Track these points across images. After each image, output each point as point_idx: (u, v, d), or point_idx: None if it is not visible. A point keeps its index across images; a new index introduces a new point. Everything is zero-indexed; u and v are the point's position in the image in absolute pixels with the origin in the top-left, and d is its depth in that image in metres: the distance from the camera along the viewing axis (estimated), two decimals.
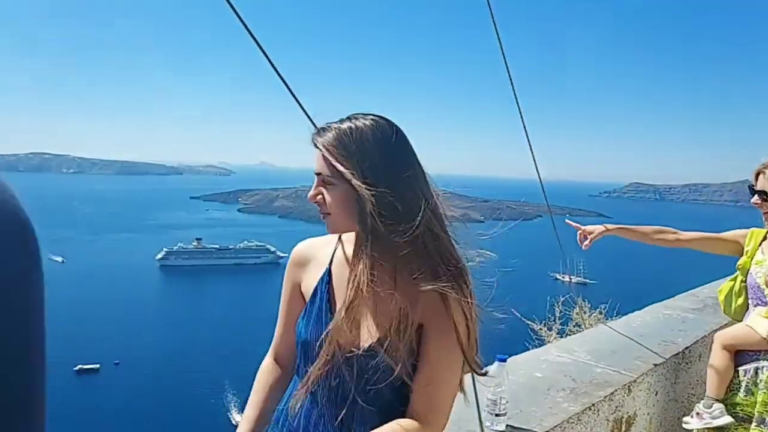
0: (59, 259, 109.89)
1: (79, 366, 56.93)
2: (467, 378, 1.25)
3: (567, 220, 2.81)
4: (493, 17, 3.16)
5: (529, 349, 4.62)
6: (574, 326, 4.68)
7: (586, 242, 2.66)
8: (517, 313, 5.78)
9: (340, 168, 1.08)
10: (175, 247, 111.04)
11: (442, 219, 1.14)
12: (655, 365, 2.53)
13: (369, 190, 1.05)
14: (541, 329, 4.72)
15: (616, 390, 2.22)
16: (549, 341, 4.28)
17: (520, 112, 3.23)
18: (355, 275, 1.10)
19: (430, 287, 1.08)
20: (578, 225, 2.72)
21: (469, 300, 1.11)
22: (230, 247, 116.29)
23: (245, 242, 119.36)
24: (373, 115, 1.14)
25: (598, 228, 2.68)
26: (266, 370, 1.35)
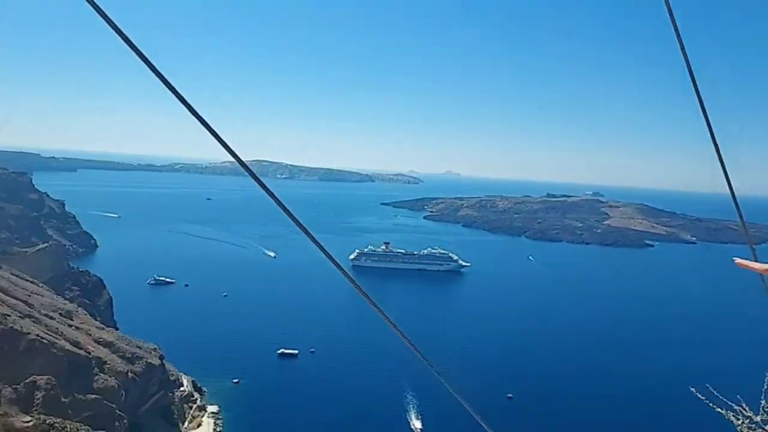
0: (272, 254, 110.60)
1: (282, 350, 61.73)
2: None
3: (738, 260, 1.99)
4: (675, 25, 2.74)
5: None
6: None
7: None
8: (699, 394, 3.86)
9: None
10: (366, 249, 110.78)
11: None
12: None
13: None
14: (741, 424, 2.88)
15: None
16: None
17: (707, 118, 2.97)
18: None
19: None
20: (750, 263, 1.98)
21: None
22: (415, 252, 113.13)
23: (429, 249, 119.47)
24: None
25: None
26: None
